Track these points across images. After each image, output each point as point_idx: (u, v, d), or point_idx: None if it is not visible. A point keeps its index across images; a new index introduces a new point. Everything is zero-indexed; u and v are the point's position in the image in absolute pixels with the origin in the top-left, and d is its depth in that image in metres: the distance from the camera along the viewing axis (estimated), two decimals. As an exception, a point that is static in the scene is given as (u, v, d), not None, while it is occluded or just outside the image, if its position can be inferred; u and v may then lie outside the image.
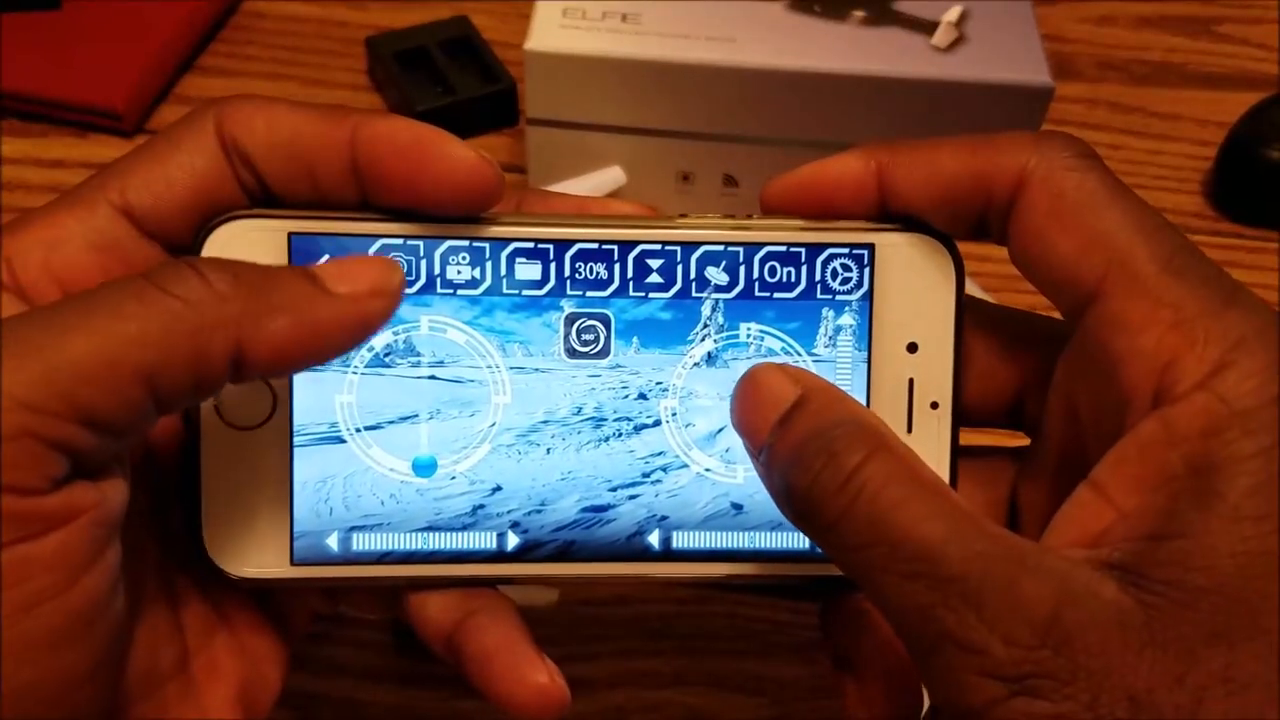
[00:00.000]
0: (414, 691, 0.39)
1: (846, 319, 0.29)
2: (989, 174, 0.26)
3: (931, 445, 0.29)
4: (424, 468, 0.28)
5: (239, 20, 0.62)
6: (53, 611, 0.21)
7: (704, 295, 0.28)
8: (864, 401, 0.29)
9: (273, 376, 0.24)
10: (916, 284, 0.28)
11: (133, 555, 0.26)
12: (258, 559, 0.28)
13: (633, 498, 0.29)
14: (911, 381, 0.29)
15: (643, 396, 0.29)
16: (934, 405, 0.29)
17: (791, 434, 0.25)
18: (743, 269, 0.28)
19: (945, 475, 0.29)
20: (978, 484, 0.29)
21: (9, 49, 0.56)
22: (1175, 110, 0.61)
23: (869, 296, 0.28)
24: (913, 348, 0.29)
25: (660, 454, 0.29)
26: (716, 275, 0.28)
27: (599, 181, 0.52)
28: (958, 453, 0.29)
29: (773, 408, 0.25)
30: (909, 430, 0.29)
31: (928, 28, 0.51)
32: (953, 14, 0.50)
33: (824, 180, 0.28)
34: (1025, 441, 0.30)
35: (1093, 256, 0.24)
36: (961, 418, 0.29)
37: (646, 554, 0.29)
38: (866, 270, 0.28)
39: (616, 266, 0.28)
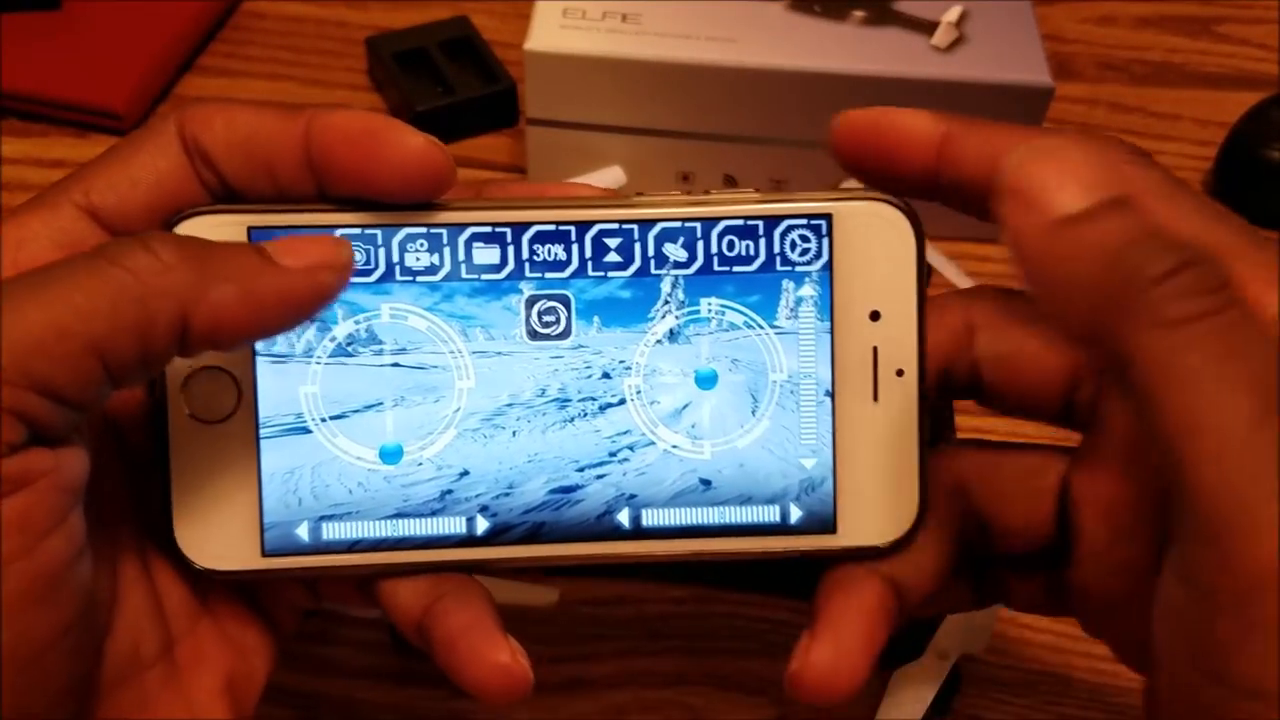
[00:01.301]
0: (413, 691, 0.39)
1: (807, 290, 0.29)
2: None
3: (899, 413, 0.29)
4: (390, 455, 0.29)
5: (239, 20, 0.62)
6: (18, 574, 0.22)
7: (663, 272, 0.28)
8: (829, 372, 0.29)
9: (220, 348, 0.25)
10: (876, 251, 0.28)
11: (110, 541, 0.27)
12: (229, 552, 0.28)
13: (600, 477, 0.29)
14: (876, 350, 0.29)
15: (606, 376, 0.29)
16: (899, 373, 0.29)
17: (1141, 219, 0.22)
18: (701, 244, 0.28)
19: (914, 442, 0.29)
20: (1024, 474, 0.29)
21: (9, 49, 0.56)
22: (1175, 110, 0.61)
23: (829, 266, 0.28)
24: (875, 316, 0.28)
25: (626, 433, 0.29)
26: (675, 252, 0.28)
27: (599, 182, 0.52)
28: (926, 420, 0.29)
29: (1093, 189, 0.23)
30: (875, 399, 0.29)
31: (928, 28, 0.51)
32: (953, 14, 0.50)
33: (893, 126, 0.27)
34: (1028, 427, 0.29)
35: None
36: (928, 383, 0.29)
37: (617, 533, 0.29)
38: (825, 240, 0.28)
39: (574, 247, 0.28)
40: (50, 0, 0.58)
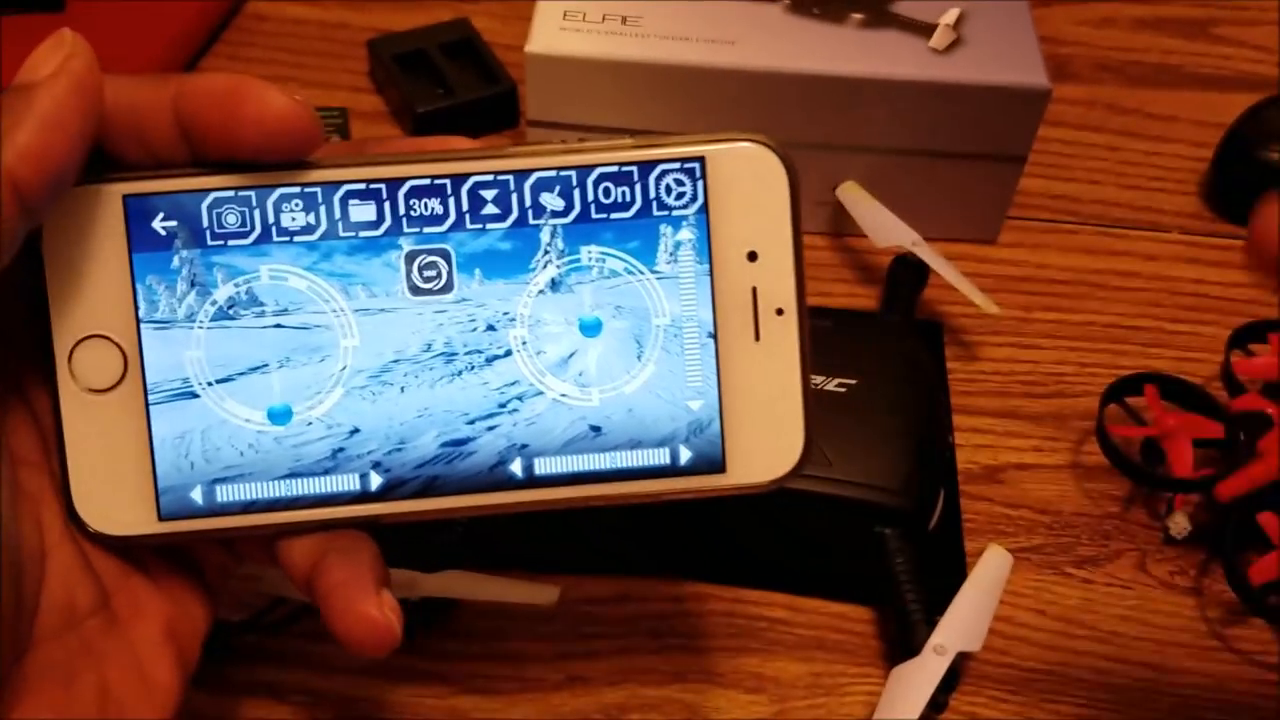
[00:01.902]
0: (414, 691, 0.40)
1: (685, 233, 0.29)
2: None
3: (781, 351, 0.29)
4: (279, 416, 0.29)
5: (240, 22, 0.62)
6: None
7: (541, 222, 0.29)
8: (710, 314, 0.29)
9: (57, 188, 0.25)
10: (751, 193, 0.29)
11: (31, 500, 0.28)
12: (126, 517, 0.28)
13: (491, 429, 0.29)
14: (755, 290, 0.29)
15: (491, 328, 0.29)
16: (779, 311, 0.29)
17: None
18: (577, 193, 0.29)
19: (797, 379, 0.29)
20: None
21: (10, 50, 0.56)
22: (1172, 112, 0.61)
23: (705, 209, 0.29)
24: (753, 256, 0.29)
25: (514, 383, 0.29)
26: (552, 201, 0.29)
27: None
28: (809, 358, 0.29)
29: None
30: (757, 339, 0.29)
31: (925, 30, 0.51)
32: (950, 16, 0.51)
33: None
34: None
35: None
36: (808, 320, 0.29)
37: (510, 483, 0.29)
38: (700, 183, 0.29)
39: (451, 201, 0.29)
40: (54, 2, 0.58)
